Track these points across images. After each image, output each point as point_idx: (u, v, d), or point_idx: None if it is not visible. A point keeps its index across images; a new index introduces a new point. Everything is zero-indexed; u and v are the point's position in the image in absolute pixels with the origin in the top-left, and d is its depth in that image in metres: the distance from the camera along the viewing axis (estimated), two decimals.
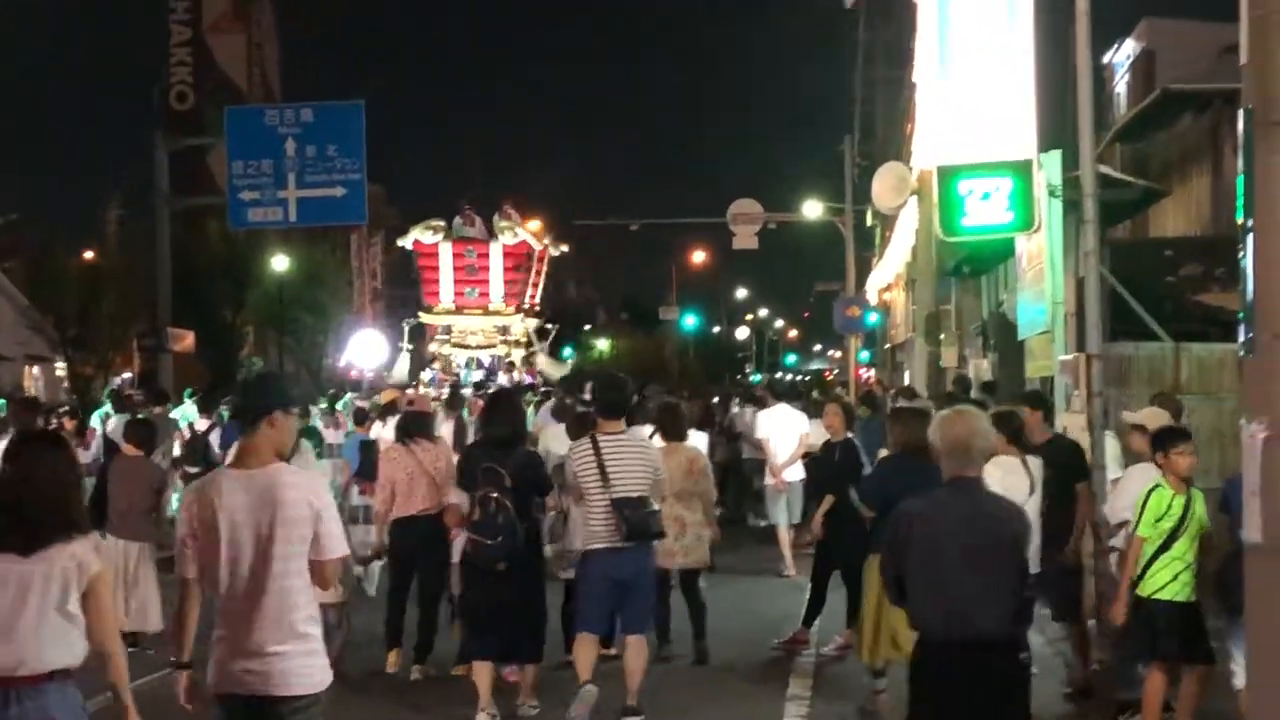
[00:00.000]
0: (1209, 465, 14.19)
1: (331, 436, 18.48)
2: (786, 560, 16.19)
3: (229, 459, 6.26)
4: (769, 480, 16.90)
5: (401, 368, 41.95)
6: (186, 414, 21.93)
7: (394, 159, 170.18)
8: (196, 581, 5.78)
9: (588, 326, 61.27)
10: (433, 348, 43.27)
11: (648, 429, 11.76)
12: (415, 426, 11.46)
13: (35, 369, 51.26)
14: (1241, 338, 5.29)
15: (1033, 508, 9.12)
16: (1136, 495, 8.61)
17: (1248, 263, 5.23)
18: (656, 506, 9.52)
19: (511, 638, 9.49)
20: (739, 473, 21.05)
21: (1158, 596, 8.33)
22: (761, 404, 19.68)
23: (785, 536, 16.49)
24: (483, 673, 9.50)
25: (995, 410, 10.28)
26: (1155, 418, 9.55)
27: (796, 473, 16.55)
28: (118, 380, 45.01)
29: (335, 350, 57.07)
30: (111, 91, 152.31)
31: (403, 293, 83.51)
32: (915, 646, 6.26)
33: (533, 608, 9.54)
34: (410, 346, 44.38)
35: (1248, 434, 5.18)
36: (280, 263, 46.07)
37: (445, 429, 15.91)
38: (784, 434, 16.73)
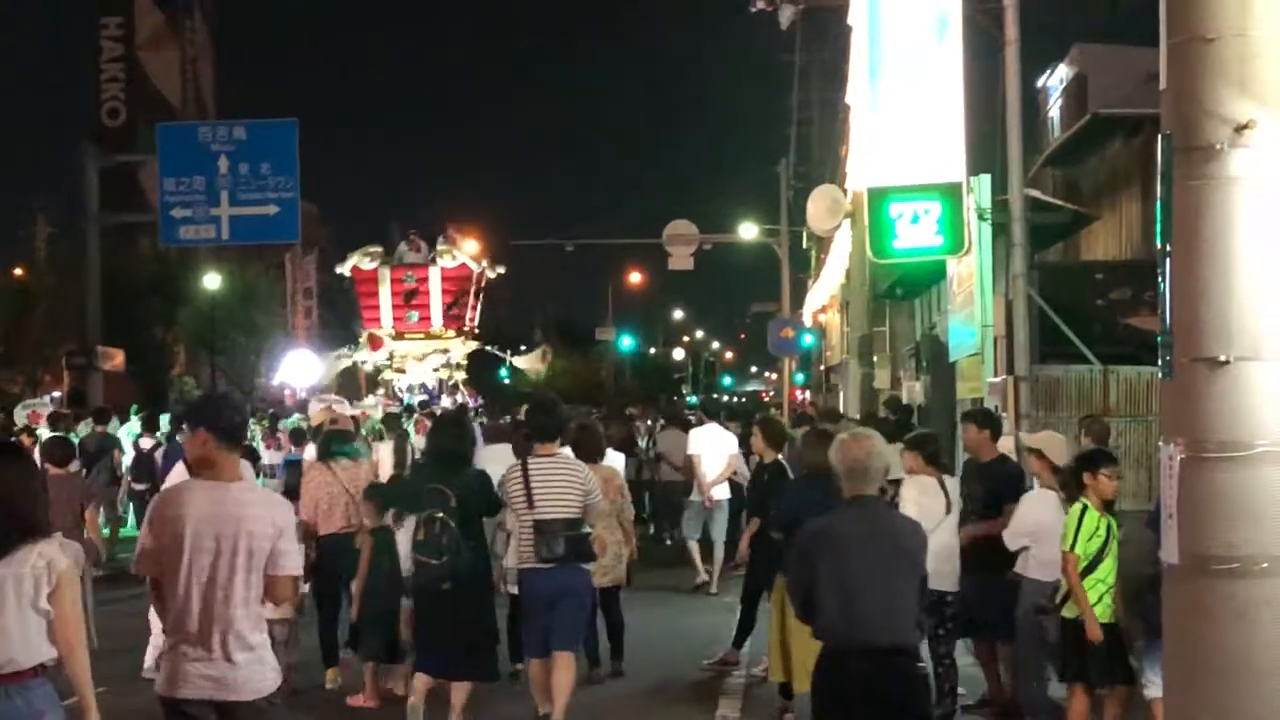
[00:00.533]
0: (1137, 487, 14.37)
1: (270, 457, 18.36)
2: (712, 576, 16.31)
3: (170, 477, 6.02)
4: (694, 497, 16.90)
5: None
6: (133, 431, 21.84)
7: (327, 178, 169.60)
8: (159, 582, 6.02)
9: (523, 348, 61.14)
10: (373, 370, 43.37)
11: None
12: (336, 446, 11.48)
13: None
14: (1160, 361, 5.34)
15: (949, 526, 9.31)
16: (1033, 521, 8.93)
17: (1165, 288, 5.27)
18: (588, 529, 9.55)
19: (460, 656, 9.40)
20: (658, 491, 21.09)
21: (1072, 616, 8.42)
22: (684, 425, 19.86)
23: (716, 553, 16.55)
24: (420, 686, 9.42)
25: (915, 433, 10.52)
26: (1051, 441, 9.72)
27: (724, 491, 16.58)
28: (47, 398, 44.54)
29: (268, 369, 56.67)
30: (42, 107, 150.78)
31: (337, 313, 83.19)
32: (820, 656, 6.41)
33: (480, 626, 9.44)
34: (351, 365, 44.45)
35: (1165, 456, 5.23)
36: (212, 281, 45.75)
37: (385, 450, 15.87)
38: (714, 452, 16.76)
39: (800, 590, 6.49)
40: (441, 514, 9.22)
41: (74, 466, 13.61)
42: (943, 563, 8.87)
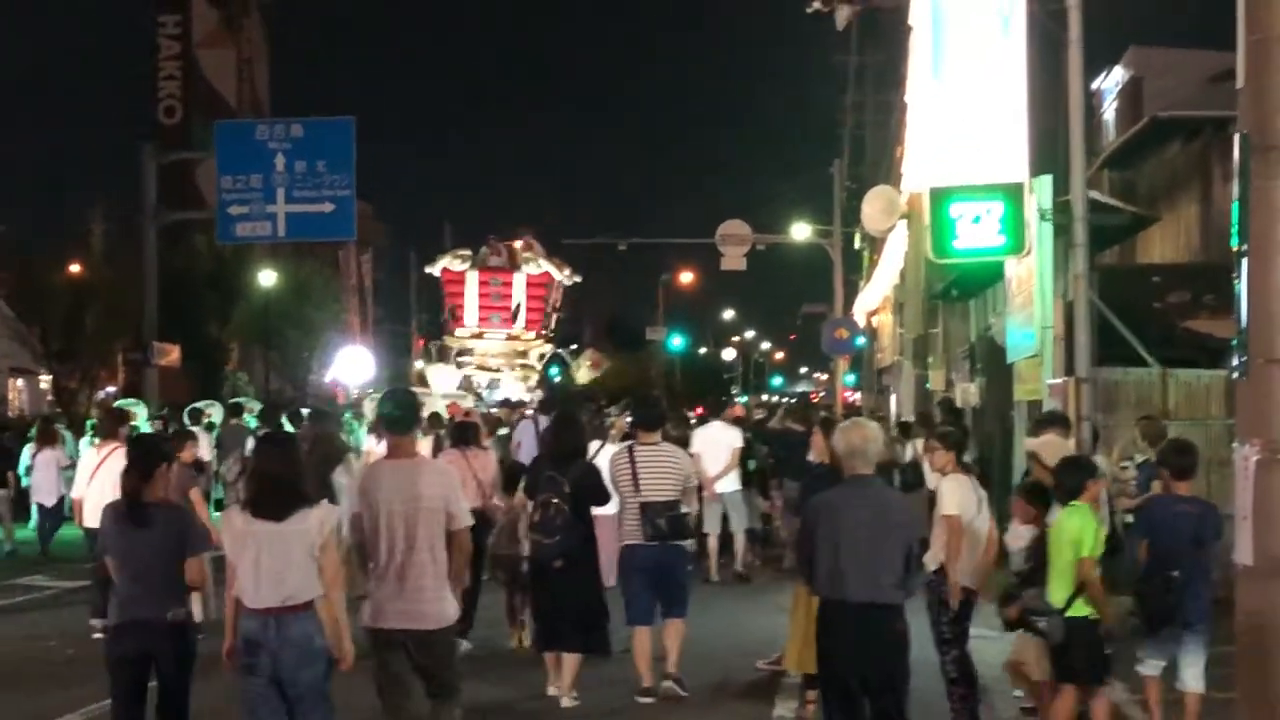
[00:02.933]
0: (1197, 490, 14.23)
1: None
2: (711, 569, 16.92)
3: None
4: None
5: (445, 381, 43.22)
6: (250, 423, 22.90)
7: (381, 176, 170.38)
8: (359, 546, 7.74)
9: (573, 346, 61.15)
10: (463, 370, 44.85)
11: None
12: (468, 436, 12.98)
13: (19, 381, 51.09)
14: (1235, 361, 5.30)
15: (982, 524, 9.56)
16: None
17: (1241, 288, 5.23)
18: (685, 510, 10.77)
19: (570, 629, 10.49)
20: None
21: (1088, 615, 8.57)
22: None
23: (737, 543, 17.46)
24: (555, 658, 10.59)
25: (939, 430, 11.19)
26: (1049, 446, 9.92)
27: (731, 484, 17.14)
28: (101, 394, 45.00)
29: (320, 366, 56.94)
30: (100, 105, 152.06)
31: (390, 311, 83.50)
32: (820, 608, 7.43)
33: (589, 603, 10.52)
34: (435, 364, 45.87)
35: (1240, 457, 5.19)
36: (267, 278, 46.00)
37: (425, 444, 16.74)
38: (715, 448, 16.99)
39: (804, 552, 7.53)
40: (556, 499, 10.36)
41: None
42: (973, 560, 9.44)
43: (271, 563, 7.13)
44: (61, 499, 20.04)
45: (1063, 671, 8.73)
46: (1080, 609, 8.52)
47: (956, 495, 9.39)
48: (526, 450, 17.32)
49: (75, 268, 45.64)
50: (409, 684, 7.75)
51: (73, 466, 18.21)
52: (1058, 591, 8.57)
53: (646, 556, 10.52)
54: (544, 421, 20.06)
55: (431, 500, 7.64)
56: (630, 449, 10.82)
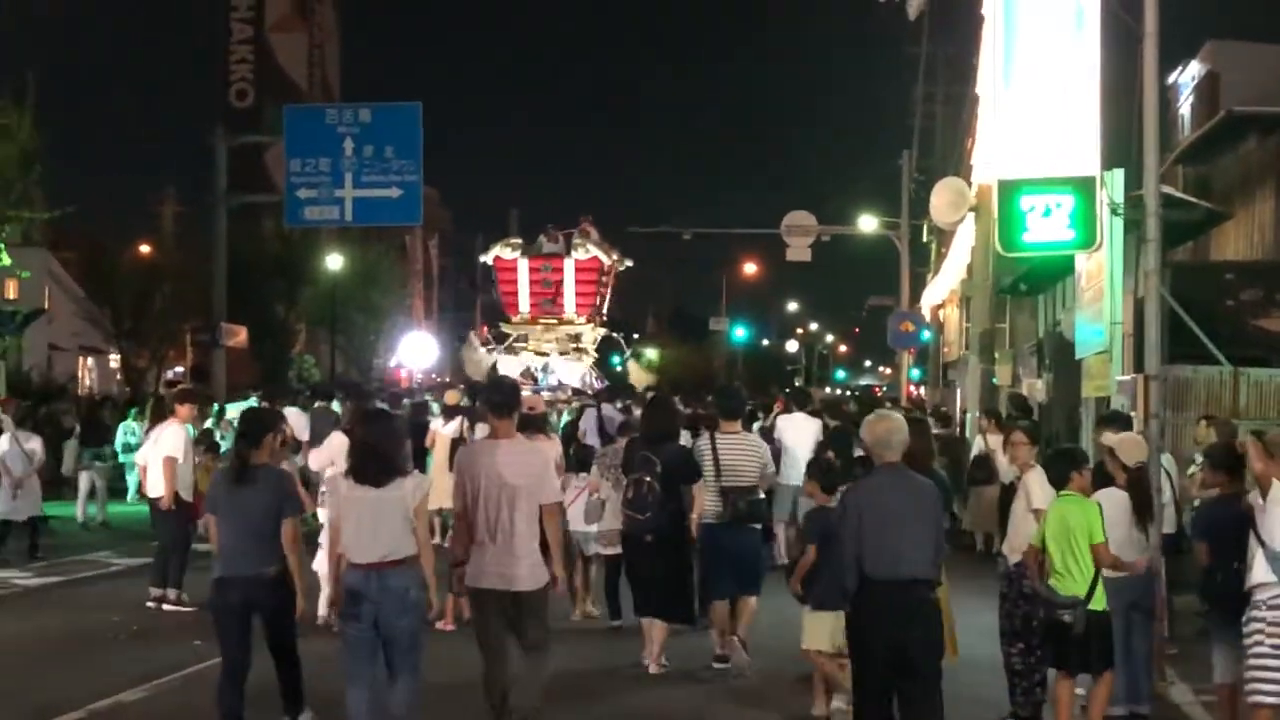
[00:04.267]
0: None
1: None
2: (781, 554, 16.47)
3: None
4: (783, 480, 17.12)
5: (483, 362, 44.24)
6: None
7: (449, 162, 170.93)
8: (462, 516, 8.68)
9: (636, 335, 61.30)
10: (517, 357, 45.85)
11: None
12: (534, 425, 13.10)
13: (89, 360, 51.75)
14: None
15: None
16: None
17: None
18: (761, 495, 11.63)
19: (660, 600, 11.26)
20: None
21: (1103, 609, 8.87)
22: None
23: (784, 533, 16.87)
24: (649, 628, 11.33)
25: (1023, 424, 11.77)
26: (1126, 443, 9.94)
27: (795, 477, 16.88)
28: (170, 374, 45.48)
29: (386, 350, 57.26)
30: (172, 87, 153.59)
31: (455, 297, 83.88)
32: (860, 585, 7.83)
33: (677, 576, 11.31)
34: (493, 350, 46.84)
35: None
36: (334, 261, 46.30)
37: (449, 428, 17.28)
38: (803, 436, 16.86)
39: (848, 535, 7.92)
40: (649, 478, 11.16)
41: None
42: None
43: (372, 524, 8.07)
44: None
45: (1078, 661, 8.91)
46: (1099, 602, 8.77)
47: (1046, 488, 9.38)
48: (591, 438, 17.84)
49: (145, 249, 46.11)
50: (504, 639, 8.67)
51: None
52: (1075, 583, 8.76)
53: (725, 537, 11.22)
54: (606, 409, 20.24)
55: (527, 477, 8.57)
56: (712, 436, 11.56)
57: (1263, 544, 8.18)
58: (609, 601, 13.30)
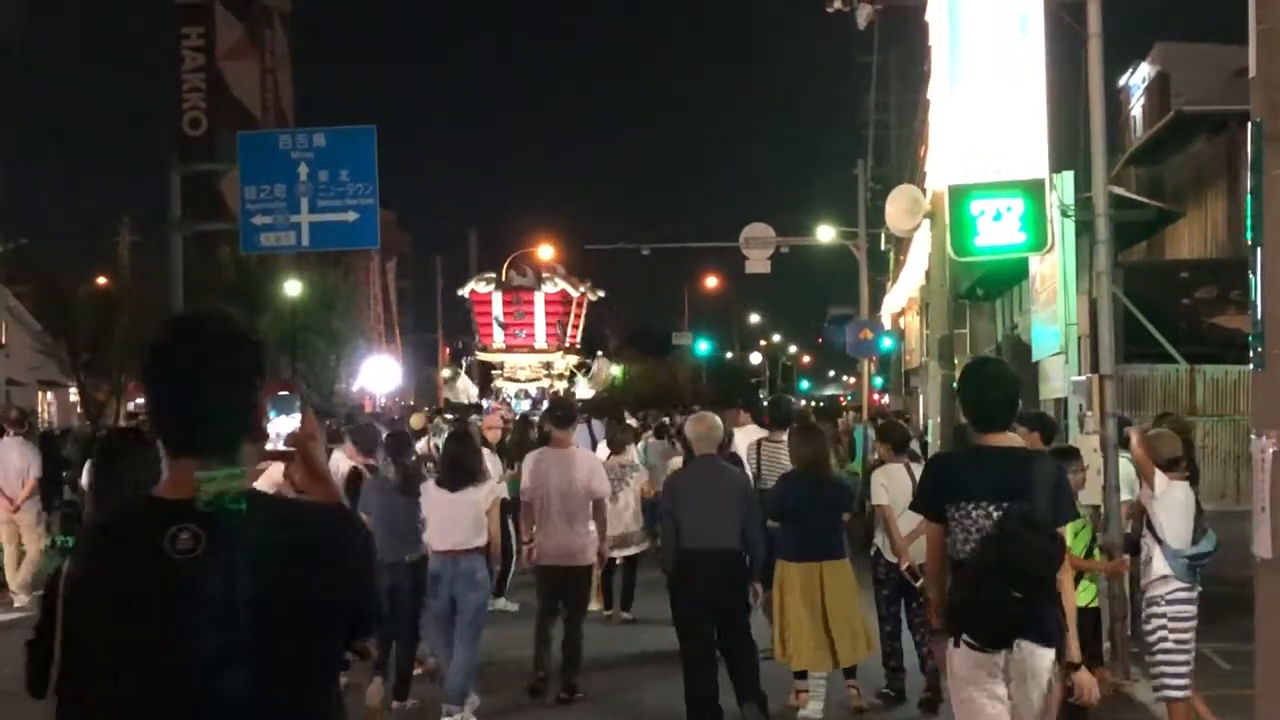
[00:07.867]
0: (1225, 487, 14.14)
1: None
2: None
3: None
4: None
5: (468, 389, 45.53)
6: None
7: (405, 185, 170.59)
8: (530, 506, 11.09)
9: (599, 352, 61.22)
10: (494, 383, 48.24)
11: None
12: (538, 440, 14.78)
13: (49, 394, 51.33)
14: (1251, 354, 5.23)
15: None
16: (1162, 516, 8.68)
17: (1256, 279, 5.16)
18: None
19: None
20: None
21: (1091, 604, 9.07)
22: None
23: None
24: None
25: (883, 423, 13.78)
26: (1163, 439, 9.64)
27: None
28: (130, 406, 45.12)
29: (348, 375, 57.01)
30: (123, 117, 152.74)
31: (417, 319, 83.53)
32: (679, 555, 9.46)
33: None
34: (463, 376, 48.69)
35: (1257, 449, 5.12)
36: (292, 287, 46.11)
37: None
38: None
39: (672, 515, 9.57)
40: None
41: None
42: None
43: (449, 520, 10.03)
44: None
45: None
46: (1085, 597, 8.81)
47: (881, 483, 10.59)
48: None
49: (101, 280, 45.76)
50: (555, 606, 11.03)
51: None
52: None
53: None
54: (596, 425, 20.44)
55: (582, 479, 10.97)
56: (759, 443, 12.99)
57: (1159, 540, 8.18)
58: (605, 597, 14.45)
